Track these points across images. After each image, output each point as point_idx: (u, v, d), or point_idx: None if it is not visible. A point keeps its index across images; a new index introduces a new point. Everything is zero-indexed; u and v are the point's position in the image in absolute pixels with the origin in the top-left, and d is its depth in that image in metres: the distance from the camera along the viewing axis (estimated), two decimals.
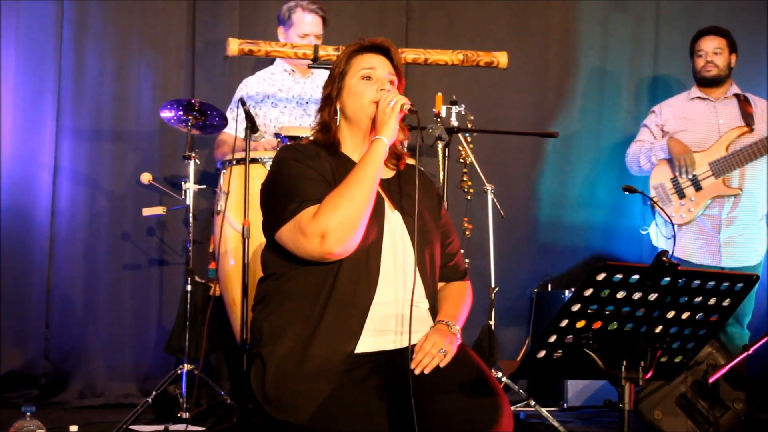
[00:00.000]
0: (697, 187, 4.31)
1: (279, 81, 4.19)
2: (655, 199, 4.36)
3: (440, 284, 2.44)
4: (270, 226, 2.27)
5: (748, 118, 4.34)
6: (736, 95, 4.46)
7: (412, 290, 2.20)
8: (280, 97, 4.14)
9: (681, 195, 4.33)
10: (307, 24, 4.11)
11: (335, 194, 2.17)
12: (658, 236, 4.46)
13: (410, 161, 2.47)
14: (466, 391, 2.10)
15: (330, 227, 2.13)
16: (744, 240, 4.34)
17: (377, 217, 2.27)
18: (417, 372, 2.12)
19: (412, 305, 2.19)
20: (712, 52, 4.44)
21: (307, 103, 4.15)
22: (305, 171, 2.24)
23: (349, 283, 2.19)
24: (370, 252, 2.23)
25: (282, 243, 2.23)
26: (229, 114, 4.00)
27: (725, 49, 4.45)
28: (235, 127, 3.77)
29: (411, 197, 2.34)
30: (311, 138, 2.43)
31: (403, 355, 2.18)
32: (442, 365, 2.14)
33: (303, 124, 4.07)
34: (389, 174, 2.40)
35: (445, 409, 2.06)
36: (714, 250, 4.32)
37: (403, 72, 2.44)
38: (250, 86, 4.17)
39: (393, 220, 2.31)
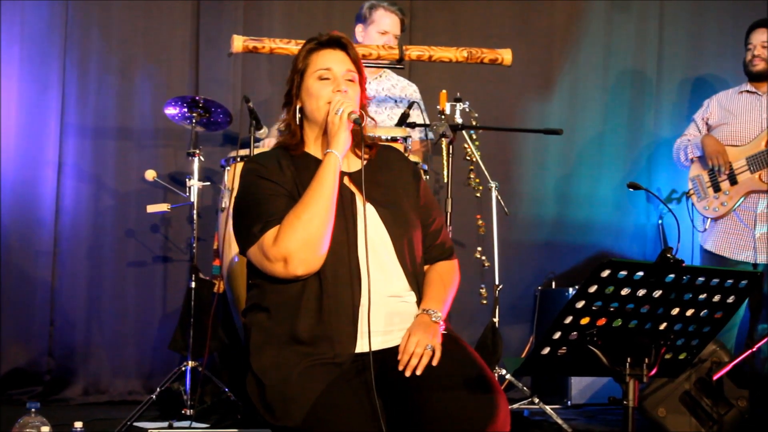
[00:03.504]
0: (733, 181, 4.22)
1: None
2: (691, 192, 4.33)
3: (426, 266, 2.38)
4: (240, 246, 2.26)
5: None
6: None
7: (368, 286, 2.17)
8: None
9: (716, 188, 4.25)
10: (387, 23, 4.13)
11: (293, 216, 2.15)
12: (697, 225, 4.40)
13: (397, 145, 2.41)
14: (463, 388, 2.07)
15: (291, 251, 2.12)
16: None
17: (350, 215, 2.24)
18: (407, 374, 2.10)
19: (370, 301, 2.16)
20: (760, 45, 4.30)
21: (376, 102, 4.14)
22: (267, 188, 2.23)
23: (333, 287, 2.17)
24: (348, 252, 2.20)
25: (251, 262, 2.24)
26: None
27: None
28: None
29: (381, 186, 2.31)
30: (279, 138, 2.40)
31: (392, 354, 2.15)
32: (434, 363, 2.11)
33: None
34: (358, 166, 2.32)
35: (441, 407, 2.03)
36: (748, 246, 4.21)
37: (363, 65, 2.38)
38: None
39: (366, 214, 2.24)
